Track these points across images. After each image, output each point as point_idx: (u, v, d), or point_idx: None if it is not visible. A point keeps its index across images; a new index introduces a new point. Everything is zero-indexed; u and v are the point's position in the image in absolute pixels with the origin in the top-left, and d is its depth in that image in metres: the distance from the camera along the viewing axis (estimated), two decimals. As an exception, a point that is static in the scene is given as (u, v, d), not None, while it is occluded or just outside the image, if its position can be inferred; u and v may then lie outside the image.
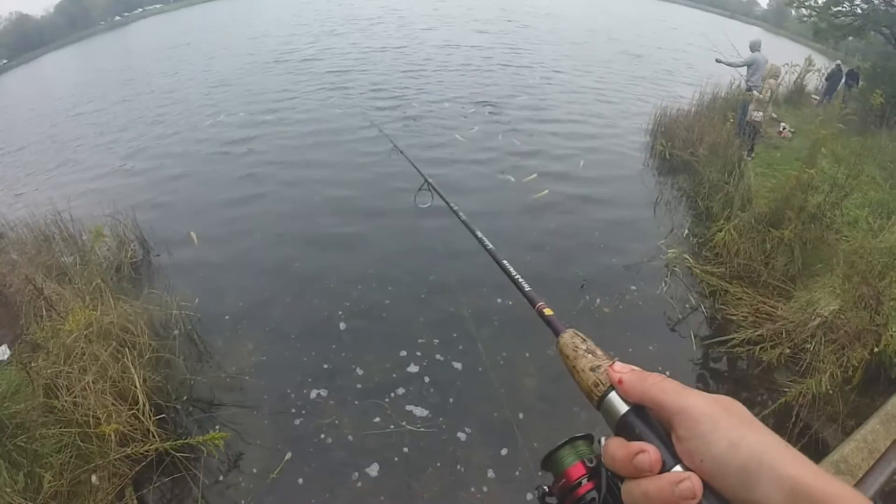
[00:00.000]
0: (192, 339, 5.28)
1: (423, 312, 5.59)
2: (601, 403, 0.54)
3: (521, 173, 8.74)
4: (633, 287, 6.04)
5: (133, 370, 4.23)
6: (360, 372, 4.89)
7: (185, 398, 4.70)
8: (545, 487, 0.61)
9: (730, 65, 9.70)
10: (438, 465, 4.07)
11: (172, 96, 15.66)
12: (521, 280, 0.73)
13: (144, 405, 4.10)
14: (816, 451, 3.89)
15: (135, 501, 3.86)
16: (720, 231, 6.34)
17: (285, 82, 15.12)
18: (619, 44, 21.37)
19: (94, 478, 3.84)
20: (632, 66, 17.95)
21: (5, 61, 33.05)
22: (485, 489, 3.85)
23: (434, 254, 6.54)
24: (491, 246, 0.85)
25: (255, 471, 4.08)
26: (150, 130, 12.57)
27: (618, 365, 0.55)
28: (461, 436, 4.28)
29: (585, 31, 23.73)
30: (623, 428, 0.51)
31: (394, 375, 4.83)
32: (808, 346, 4.58)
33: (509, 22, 25.29)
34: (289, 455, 4.17)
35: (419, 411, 4.47)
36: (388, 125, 10.60)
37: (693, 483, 0.45)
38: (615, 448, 0.50)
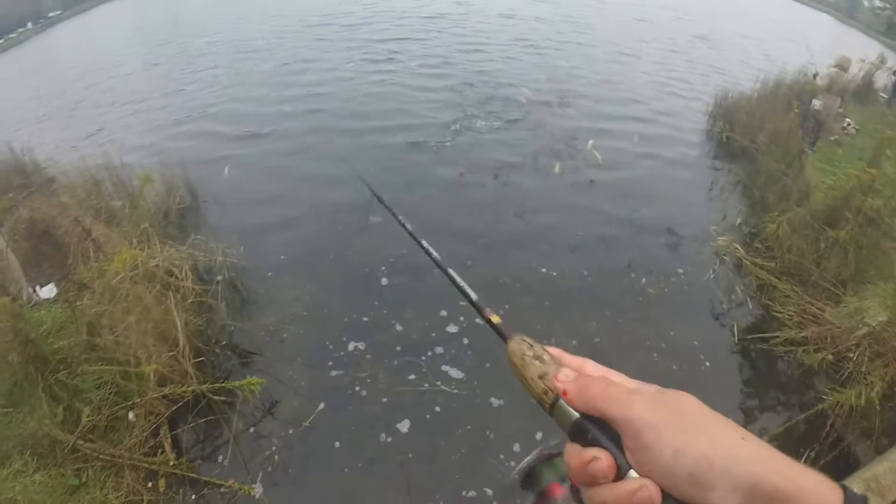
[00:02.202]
0: (235, 286, 5.36)
1: (466, 275, 5.44)
2: (553, 411, 0.52)
3: (576, 145, 8.64)
4: (680, 270, 5.91)
5: (175, 313, 4.29)
6: (399, 328, 4.92)
7: (224, 343, 4.78)
8: None
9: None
10: (469, 427, 4.06)
11: (225, 54, 15.51)
12: (467, 288, 0.72)
13: (184, 348, 4.17)
14: (846, 464, 3.83)
15: (169, 440, 3.94)
16: (773, 223, 6.11)
17: (339, 46, 14.95)
18: (688, 24, 20.57)
19: (130, 415, 3.93)
20: (697, 45, 17.29)
21: (59, 12, 33.44)
22: (511, 462, 3.83)
23: (483, 219, 6.53)
24: (437, 255, 0.82)
25: (287, 418, 4.13)
26: (202, 86, 12.60)
27: (562, 373, 0.52)
28: (494, 402, 4.25)
29: (658, 8, 22.77)
30: (576, 434, 0.49)
31: (433, 335, 4.83)
32: (852, 355, 4.40)
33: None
34: (322, 406, 4.21)
35: (455, 372, 4.47)
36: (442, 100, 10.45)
37: (650, 490, 0.43)
38: (570, 455, 0.48)
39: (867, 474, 2.85)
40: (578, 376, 0.52)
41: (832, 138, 9.26)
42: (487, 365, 4.56)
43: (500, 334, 0.60)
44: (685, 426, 0.44)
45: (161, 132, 10.09)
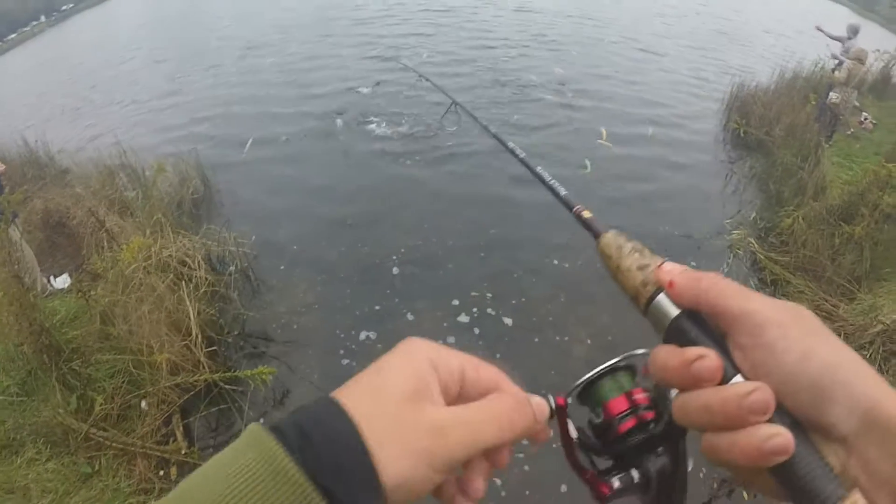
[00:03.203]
0: (248, 275, 5.38)
1: (478, 265, 5.58)
2: (648, 306, 0.47)
3: (590, 137, 8.59)
4: (694, 263, 5.79)
5: (188, 302, 4.31)
6: (410, 317, 4.92)
7: (236, 333, 4.80)
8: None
9: (829, 35, 9.44)
10: (478, 418, 4.04)
11: (243, 41, 15.52)
12: (557, 185, 0.69)
13: (197, 337, 4.18)
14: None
15: (181, 428, 3.95)
16: (789, 218, 6.06)
17: (349, 42, 14.81)
18: (707, 18, 20.33)
19: (143, 403, 3.95)
20: (716, 39, 17.05)
21: (71, 5, 33.54)
22: (520, 455, 3.79)
23: (495, 212, 6.52)
24: (522, 155, 0.84)
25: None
26: (212, 83, 12.51)
27: (668, 265, 0.47)
28: (504, 393, 4.24)
29: (677, 1, 22.57)
30: (674, 334, 0.45)
31: (444, 324, 4.83)
32: (865, 353, 4.33)
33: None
34: (332, 395, 4.20)
35: (465, 362, 4.45)
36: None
37: (766, 394, 0.37)
38: (667, 355, 0.43)
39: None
40: (686, 269, 0.46)
41: (849, 132, 9.17)
42: (498, 355, 4.52)
43: (592, 229, 0.57)
44: (810, 330, 0.41)
45: (173, 126, 10.06)
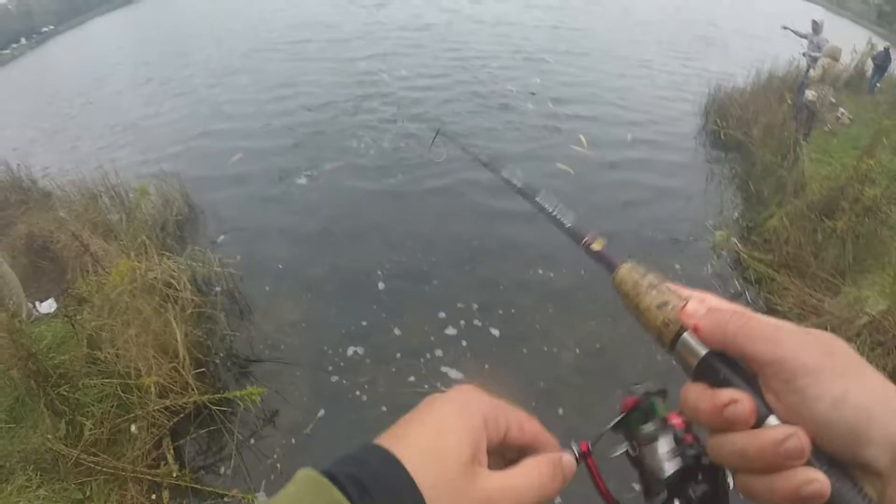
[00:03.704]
0: (234, 296, 5.35)
1: (463, 277, 5.61)
2: (674, 346, 0.46)
3: (568, 144, 8.66)
4: (677, 265, 5.88)
5: (175, 324, 4.29)
6: (397, 332, 4.92)
7: (224, 353, 4.78)
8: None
9: (795, 32, 9.83)
10: (467, 430, 4.06)
11: (220, 65, 15.55)
12: (559, 217, 0.64)
13: (185, 359, 4.16)
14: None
15: (171, 452, 3.93)
16: (771, 217, 6.12)
17: (328, 66, 14.76)
18: (684, 24, 20.56)
19: (133, 427, 3.93)
20: (693, 44, 17.31)
21: (52, 27, 33.52)
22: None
23: (478, 223, 6.55)
24: (520, 184, 0.75)
25: (288, 427, 4.13)
26: (191, 107, 12.47)
27: (691, 306, 0.45)
28: (494, 404, 4.26)
29: (655, 9, 22.87)
30: (704, 373, 0.43)
31: (431, 337, 4.83)
32: (853, 345, 4.37)
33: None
34: (322, 413, 4.21)
35: (454, 373, 4.47)
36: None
37: (801, 440, 0.37)
38: (698, 397, 0.42)
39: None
40: (710, 309, 0.45)
41: (826, 129, 9.29)
42: (486, 366, 4.56)
43: (605, 263, 0.54)
44: (842, 371, 0.39)
45: (154, 149, 9.93)
